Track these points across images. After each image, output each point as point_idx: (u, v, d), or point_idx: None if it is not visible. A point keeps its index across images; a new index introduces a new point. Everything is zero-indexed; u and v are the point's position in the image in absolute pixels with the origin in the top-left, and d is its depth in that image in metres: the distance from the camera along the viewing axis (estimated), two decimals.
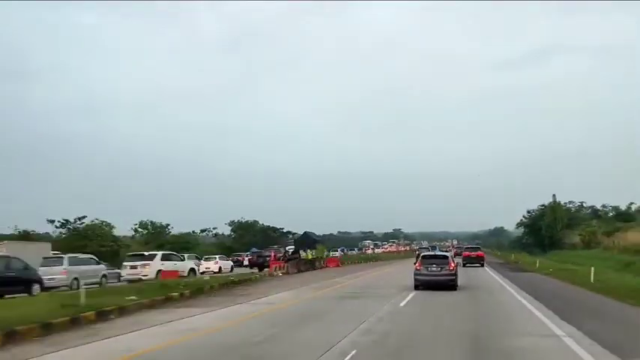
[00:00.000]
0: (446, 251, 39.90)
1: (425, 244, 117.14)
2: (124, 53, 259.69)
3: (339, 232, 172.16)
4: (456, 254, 49.67)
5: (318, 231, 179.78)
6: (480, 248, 47.82)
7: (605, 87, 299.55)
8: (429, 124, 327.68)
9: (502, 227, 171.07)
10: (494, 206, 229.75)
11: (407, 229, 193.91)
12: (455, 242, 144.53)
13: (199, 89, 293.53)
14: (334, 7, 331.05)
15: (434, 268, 20.38)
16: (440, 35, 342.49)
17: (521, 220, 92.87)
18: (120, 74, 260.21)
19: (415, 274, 20.71)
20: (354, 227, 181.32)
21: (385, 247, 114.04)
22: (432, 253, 25.96)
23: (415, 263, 22.12)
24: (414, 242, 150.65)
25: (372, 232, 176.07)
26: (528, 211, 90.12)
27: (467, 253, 44.19)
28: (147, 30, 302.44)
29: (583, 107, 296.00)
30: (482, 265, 40.41)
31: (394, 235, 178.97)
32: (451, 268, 20.48)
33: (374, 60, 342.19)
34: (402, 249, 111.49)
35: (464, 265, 38.69)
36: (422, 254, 23.20)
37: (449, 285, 20.03)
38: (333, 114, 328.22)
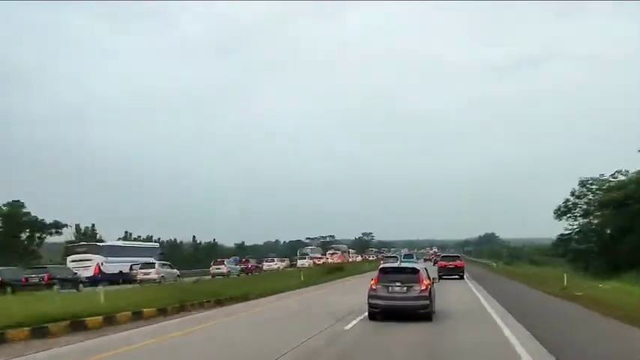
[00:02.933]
0: (426, 259, 40.60)
1: (405, 251, 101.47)
2: (122, 54, 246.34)
3: (307, 237, 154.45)
4: (435, 262, 43.79)
5: (286, 237, 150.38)
6: (459, 257, 40.66)
7: (597, 95, 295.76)
8: (428, 126, 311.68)
9: (493, 233, 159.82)
10: (484, 212, 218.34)
11: (390, 237, 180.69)
12: (435, 249, 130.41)
13: (198, 90, 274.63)
14: (333, 7, 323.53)
15: (397, 289, 13.43)
16: (439, 37, 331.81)
17: (567, 203, 47.90)
18: (118, 75, 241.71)
19: (370, 297, 13.75)
20: (328, 233, 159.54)
21: (326, 257, 76.10)
22: (395, 265, 17.45)
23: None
24: (392, 249, 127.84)
25: (332, 237, 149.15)
26: (583, 183, 46.89)
27: (443, 262, 37.14)
28: (144, 32, 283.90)
29: (573, 114, 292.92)
30: (462, 277, 34.01)
31: (362, 242, 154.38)
32: (423, 287, 13.33)
33: (373, 62, 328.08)
34: (360, 259, 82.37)
35: (440, 278, 27.69)
36: (380, 266, 16.02)
37: (419, 313, 13.19)
38: (325, 118, 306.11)
